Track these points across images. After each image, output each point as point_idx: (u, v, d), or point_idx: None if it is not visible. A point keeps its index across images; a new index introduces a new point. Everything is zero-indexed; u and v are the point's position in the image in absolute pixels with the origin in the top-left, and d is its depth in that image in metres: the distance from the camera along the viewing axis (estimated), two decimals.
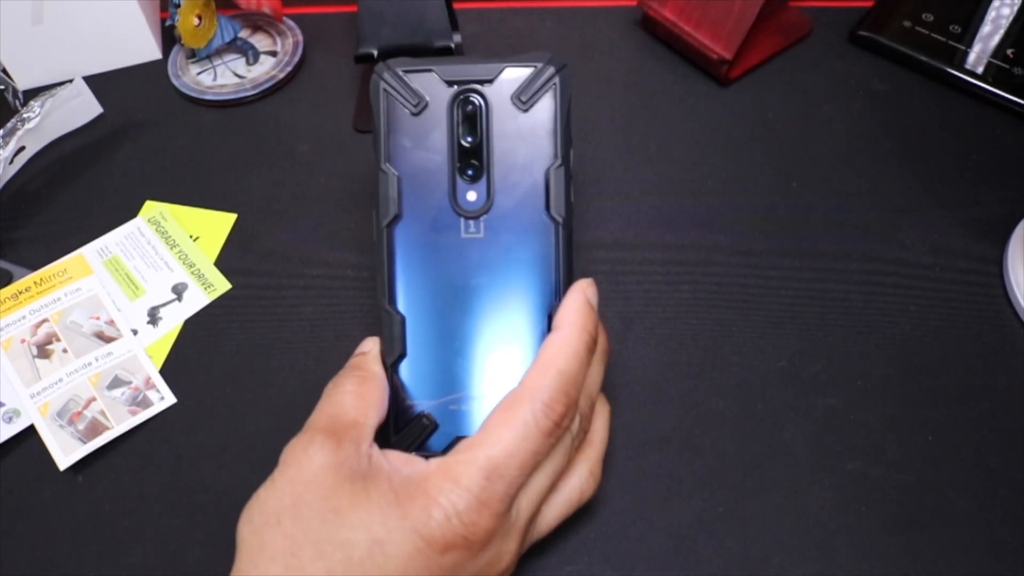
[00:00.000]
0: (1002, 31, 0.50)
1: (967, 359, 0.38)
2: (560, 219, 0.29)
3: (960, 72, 0.48)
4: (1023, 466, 0.35)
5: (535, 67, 0.29)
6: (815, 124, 0.47)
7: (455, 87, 0.29)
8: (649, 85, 0.49)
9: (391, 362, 0.30)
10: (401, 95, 0.29)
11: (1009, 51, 0.49)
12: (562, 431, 0.27)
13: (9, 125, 0.42)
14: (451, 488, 0.25)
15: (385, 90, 0.29)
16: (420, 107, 0.29)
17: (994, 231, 0.43)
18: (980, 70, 0.48)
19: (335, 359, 0.38)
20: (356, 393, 0.29)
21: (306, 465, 0.26)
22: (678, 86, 0.49)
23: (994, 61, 0.49)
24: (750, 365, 0.38)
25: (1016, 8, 0.51)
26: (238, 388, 0.38)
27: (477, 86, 0.29)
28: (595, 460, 0.30)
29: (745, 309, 0.40)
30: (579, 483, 0.29)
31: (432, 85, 0.29)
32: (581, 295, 0.28)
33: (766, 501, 0.34)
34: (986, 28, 0.51)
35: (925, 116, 0.48)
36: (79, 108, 0.45)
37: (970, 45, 0.50)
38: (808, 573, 0.32)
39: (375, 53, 0.46)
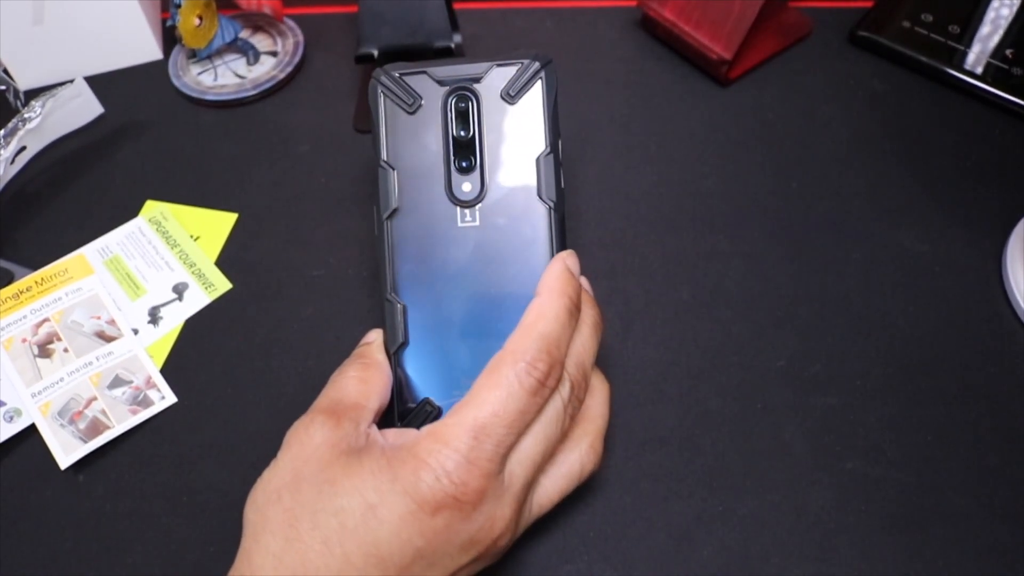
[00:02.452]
0: (1001, 31, 0.51)
1: (966, 359, 0.38)
2: (551, 203, 0.30)
3: (959, 72, 0.48)
4: (1022, 465, 0.35)
5: (521, 63, 0.31)
6: (815, 124, 0.47)
7: (447, 86, 0.31)
8: (649, 85, 0.50)
9: (394, 350, 0.31)
10: (397, 96, 0.31)
11: (1008, 51, 0.49)
12: (548, 391, 0.27)
13: (10, 125, 0.42)
14: (440, 449, 0.25)
15: (383, 92, 0.31)
16: (415, 106, 0.31)
17: (993, 231, 0.43)
18: (979, 70, 0.48)
19: (335, 359, 0.38)
20: (359, 378, 0.30)
21: (307, 442, 0.27)
22: (678, 86, 0.49)
23: (993, 61, 0.49)
24: (750, 365, 0.38)
25: (1015, 9, 0.51)
26: (238, 388, 0.38)
27: (468, 84, 0.31)
28: (595, 434, 0.30)
29: (745, 309, 0.40)
30: (579, 457, 0.29)
31: (426, 85, 0.31)
32: (561, 263, 0.30)
33: (765, 500, 0.34)
34: (985, 28, 0.51)
35: (924, 116, 0.48)
36: (80, 108, 0.45)
37: (969, 45, 0.50)
38: (808, 572, 0.32)
39: (375, 53, 0.46)
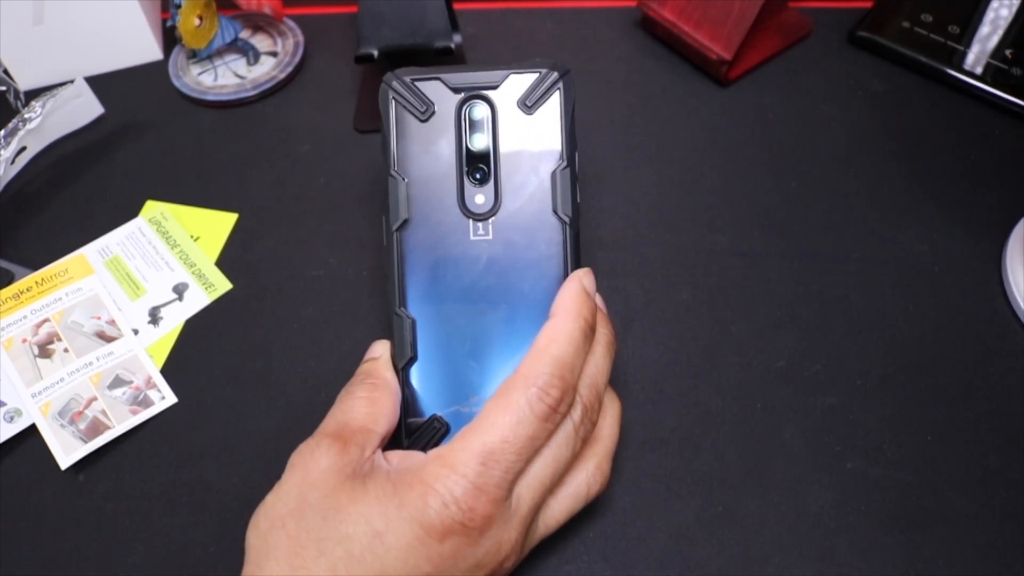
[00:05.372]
0: (1001, 32, 0.51)
1: (966, 359, 0.38)
2: (567, 219, 0.30)
3: (959, 72, 0.48)
4: (1022, 465, 0.35)
5: (539, 72, 0.30)
6: (814, 124, 0.47)
7: (462, 93, 0.30)
8: (649, 85, 0.50)
9: (402, 366, 0.30)
10: (409, 102, 0.30)
11: (1008, 52, 0.49)
12: (559, 416, 0.27)
13: (11, 125, 0.42)
14: (447, 475, 0.25)
15: (394, 98, 0.30)
16: (428, 114, 0.30)
17: (992, 231, 0.43)
18: (979, 70, 0.48)
19: (335, 359, 0.38)
20: (368, 399, 0.29)
21: (312, 468, 0.26)
22: (678, 86, 0.49)
23: (993, 62, 0.49)
24: (750, 365, 0.38)
25: (1015, 9, 0.51)
26: (238, 388, 0.38)
27: (483, 92, 0.30)
28: (603, 456, 0.30)
29: (745, 309, 0.40)
30: (586, 478, 0.29)
31: (439, 92, 0.30)
32: (577, 283, 0.29)
33: (765, 500, 0.34)
34: (984, 29, 0.51)
35: (924, 116, 0.48)
36: (80, 108, 0.45)
37: (969, 46, 0.50)
38: (808, 572, 0.32)
39: (375, 53, 0.46)
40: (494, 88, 0.30)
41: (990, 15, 0.51)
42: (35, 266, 0.41)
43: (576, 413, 0.28)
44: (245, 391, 0.38)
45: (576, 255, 0.30)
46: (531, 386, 0.26)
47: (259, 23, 0.53)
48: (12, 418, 0.36)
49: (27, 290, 0.40)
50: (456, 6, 0.48)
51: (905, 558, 0.33)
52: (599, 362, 0.29)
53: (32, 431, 0.36)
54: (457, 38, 0.47)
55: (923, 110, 0.48)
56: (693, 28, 0.48)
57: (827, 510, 0.34)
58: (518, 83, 0.30)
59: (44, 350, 0.38)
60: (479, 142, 0.30)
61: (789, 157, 0.46)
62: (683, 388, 0.37)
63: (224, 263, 0.42)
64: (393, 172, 0.30)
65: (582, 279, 0.29)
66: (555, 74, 0.30)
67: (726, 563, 0.33)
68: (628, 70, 0.50)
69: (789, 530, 0.33)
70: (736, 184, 0.45)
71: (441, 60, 0.46)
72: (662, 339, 0.39)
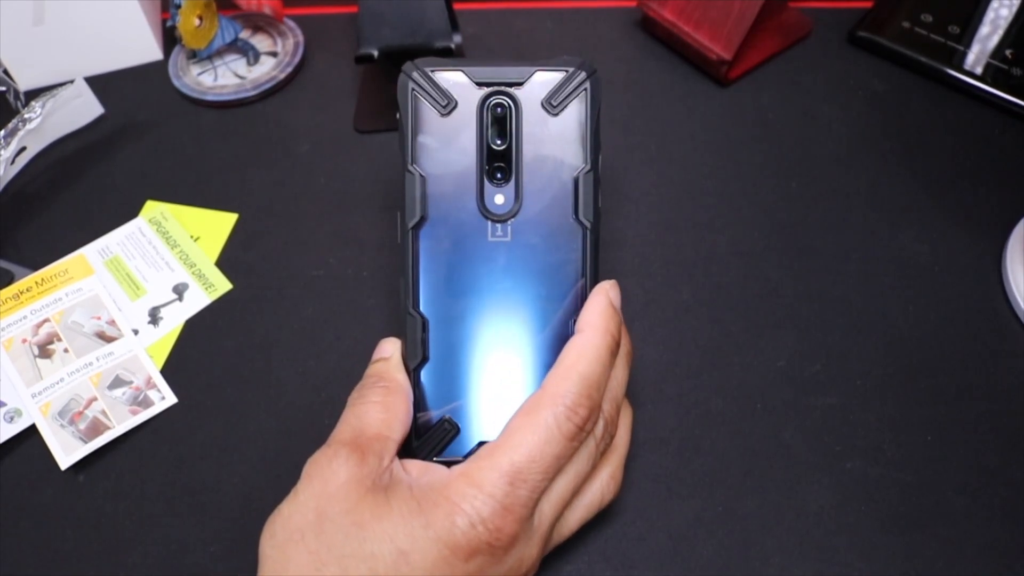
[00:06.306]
0: (1001, 32, 0.51)
1: (966, 359, 0.38)
2: (588, 224, 0.29)
3: (959, 73, 0.48)
4: (1021, 465, 0.35)
5: (566, 71, 0.29)
6: (814, 124, 0.47)
7: (485, 88, 0.29)
8: (649, 85, 0.50)
9: (414, 367, 0.29)
10: (430, 95, 0.29)
11: (1008, 52, 0.49)
12: (585, 435, 0.26)
13: (10, 126, 0.42)
14: (474, 494, 0.25)
15: (413, 90, 0.29)
16: (449, 108, 0.29)
17: (992, 231, 0.43)
18: (979, 71, 0.48)
19: (335, 359, 0.38)
20: (382, 405, 0.28)
21: (330, 479, 0.26)
22: (678, 86, 0.49)
23: (993, 62, 0.49)
24: (749, 365, 0.38)
25: (1015, 9, 0.51)
26: (238, 388, 0.38)
27: (508, 88, 0.29)
28: (616, 464, 0.30)
29: (745, 309, 0.40)
30: (600, 487, 0.29)
31: (461, 86, 0.29)
32: (604, 297, 0.28)
33: (765, 500, 0.34)
34: (985, 29, 0.51)
35: (924, 117, 0.48)
36: (80, 108, 0.45)
37: (969, 46, 0.50)
38: (808, 572, 0.32)
39: (375, 53, 0.46)
40: (519, 85, 0.29)
41: (990, 15, 0.51)
42: (35, 266, 0.41)
43: (598, 429, 0.27)
44: (245, 391, 0.38)
45: (595, 261, 0.29)
46: (559, 404, 0.26)
47: (259, 23, 0.53)
48: (12, 418, 0.36)
49: (27, 290, 0.40)
50: (456, 6, 0.48)
51: (905, 558, 0.33)
52: (619, 375, 0.29)
53: (32, 431, 0.36)
54: (457, 38, 0.47)
55: (923, 110, 0.48)
56: (693, 28, 0.48)
57: (827, 510, 0.34)
58: (544, 81, 0.29)
59: (44, 350, 0.38)
60: (501, 140, 0.29)
61: (789, 157, 0.46)
62: (683, 388, 0.37)
63: (224, 263, 0.42)
64: (410, 167, 0.28)
65: (608, 292, 0.28)
66: (583, 74, 0.28)
67: (726, 563, 0.33)
68: (628, 70, 0.50)
69: (789, 530, 0.33)
70: (736, 184, 0.45)
71: None
72: (662, 339, 0.39)
